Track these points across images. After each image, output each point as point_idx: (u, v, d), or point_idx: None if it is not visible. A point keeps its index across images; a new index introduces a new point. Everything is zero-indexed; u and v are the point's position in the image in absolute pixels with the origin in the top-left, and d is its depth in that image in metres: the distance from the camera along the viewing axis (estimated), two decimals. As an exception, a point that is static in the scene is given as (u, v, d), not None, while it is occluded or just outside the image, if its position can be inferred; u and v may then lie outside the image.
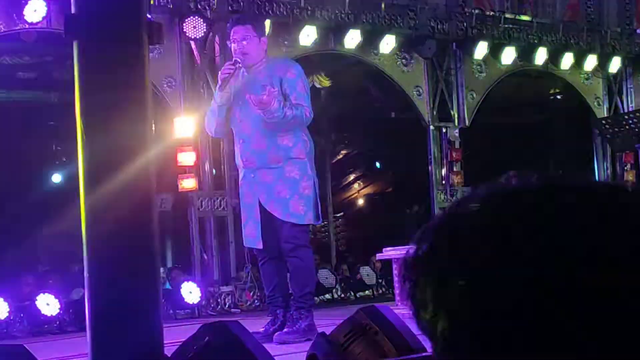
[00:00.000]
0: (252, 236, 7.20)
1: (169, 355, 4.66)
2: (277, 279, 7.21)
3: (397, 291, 9.48)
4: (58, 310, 10.17)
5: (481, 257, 1.01)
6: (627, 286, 0.99)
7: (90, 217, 2.90)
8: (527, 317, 0.98)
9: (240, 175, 7.33)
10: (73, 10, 2.88)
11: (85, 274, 2.91)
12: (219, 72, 7.24)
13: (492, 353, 1.00)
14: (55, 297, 10.26)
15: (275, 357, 4.69)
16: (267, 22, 11.41)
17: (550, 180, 1.06)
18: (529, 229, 1.01)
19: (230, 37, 7.23)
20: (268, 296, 7.34)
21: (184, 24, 11.29)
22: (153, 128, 3.06)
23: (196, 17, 11.31)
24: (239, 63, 7.04)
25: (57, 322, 10.21)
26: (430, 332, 1.06)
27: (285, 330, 6.98)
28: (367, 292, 13.61)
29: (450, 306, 1.02)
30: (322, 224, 15.38)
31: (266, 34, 7.35)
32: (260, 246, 7.13)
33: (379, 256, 10.19)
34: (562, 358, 0.98)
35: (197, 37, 11.35)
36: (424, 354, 4.74)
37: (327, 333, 5.16)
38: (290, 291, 7.36)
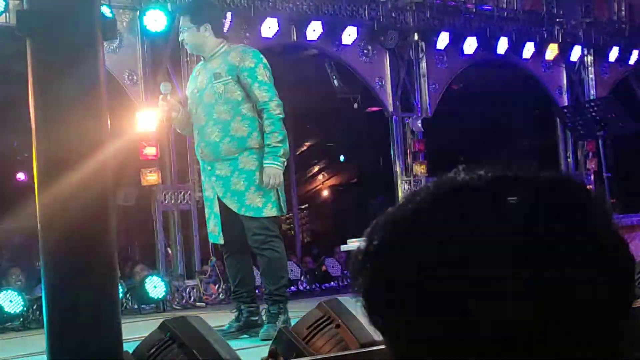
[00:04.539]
0: (214, 232, 7.03)
1: (132, 351, 4.64)
2: (242, 274, 7.01)
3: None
4: (21, 307, 10.09)
5: (431, 252, 1.01)
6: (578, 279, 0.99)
7: (46, 214, 2.88)
8: (476, 312, 0.98)
9: (201, 168, 7.19)
10: (25, 6, 2.85)
11: (42, 271, 2.88)
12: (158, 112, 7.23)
13: (444, 346, 1.00)
14: (19, 294, 10.18)
15: (237, 352, 4.68)
16: (228, 15, 11.38)
17: (499, 174, 1.06)
18: (477, 224, 1.01)
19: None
20: (233, 291, 7.21)
21: (145, 17, 11.23)
22: (109, 123, 3.03)
23: (157, 10, 11.25)
24: (167, 94, 6.97)
25: (21, 319, 10.12)
26: (381, 326, 1.06)
27: (267, 326, 6.73)
28: (332, 283, 13.63)
29: (401, 300, 1.02)
30: (287, 215, 15.36)
31: (208, 21, 7.14)
32: (222, 242, 6.98)
33: (343, 248, 10.18)
34: (509, 351, 0.99)
35: (158, 29, 11.30)
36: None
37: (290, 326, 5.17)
38: (254, 286, 7.26)
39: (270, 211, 6.90)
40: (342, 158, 19.36)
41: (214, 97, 6.93)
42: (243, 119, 6.87)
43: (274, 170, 6.81)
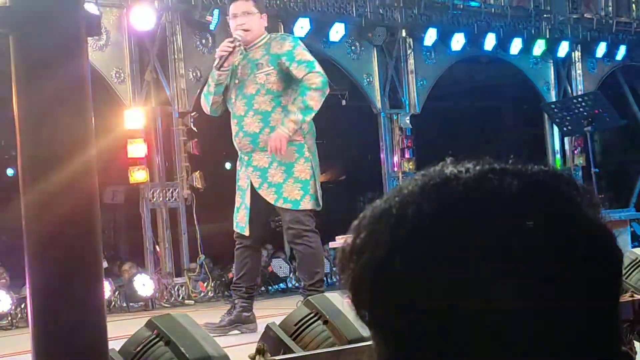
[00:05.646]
0: (242, 222, 6.94)
1: (119, 349, 4.64)
2: (246, 269, 6.98)
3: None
4: (9, 306, 10.06)
5: (417, 246, 1.00)
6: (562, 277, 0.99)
7: (31, 213, 2.87)
8: (465, 309, 0.98)
9: (239, 158, 7.11)
10: (8, 2, 2.84)
11: (27, 270, 2.88)
12: (217, 50, 7.05)
13: (430, 341, 0.99)
14: (6, 293, 10.15)
15: (224, 349, 4.68)
16: (216, 12, 11.36)
17: (487, 167, 1.06)
18: (464, 217, 1.00)
19: (230, 13, 7.10)
20: (234, 283, 7.17)
21: (132, 14, 11.21)
22: (94, 121, 3.01)
23: (144, 7, 11.23)
24: (238, 40, 6.87)
25: (9, 318, 10.09)
26: (368, 320, 1.05)
27: None
28: (321, 280, 13.62)
29: (388, 294, 1.01)
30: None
31: (265, 11, 7.14)
32: (247, 233, 6.91)
33: (332, 244, 10.19)
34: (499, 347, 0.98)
35: (146, 27, 11.27)
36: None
37: (278, 323, 5.16)
38: (255, 284, 7.26)
39: (308, 204, 6.91)
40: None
41: (255, 88, 6.88)
42: (283, 110, 6.83)
43: (276, 133, 6.74)
